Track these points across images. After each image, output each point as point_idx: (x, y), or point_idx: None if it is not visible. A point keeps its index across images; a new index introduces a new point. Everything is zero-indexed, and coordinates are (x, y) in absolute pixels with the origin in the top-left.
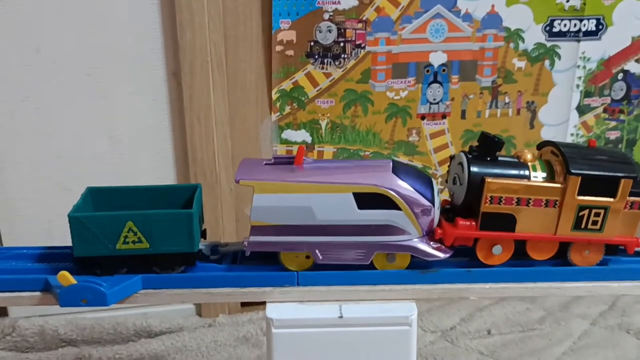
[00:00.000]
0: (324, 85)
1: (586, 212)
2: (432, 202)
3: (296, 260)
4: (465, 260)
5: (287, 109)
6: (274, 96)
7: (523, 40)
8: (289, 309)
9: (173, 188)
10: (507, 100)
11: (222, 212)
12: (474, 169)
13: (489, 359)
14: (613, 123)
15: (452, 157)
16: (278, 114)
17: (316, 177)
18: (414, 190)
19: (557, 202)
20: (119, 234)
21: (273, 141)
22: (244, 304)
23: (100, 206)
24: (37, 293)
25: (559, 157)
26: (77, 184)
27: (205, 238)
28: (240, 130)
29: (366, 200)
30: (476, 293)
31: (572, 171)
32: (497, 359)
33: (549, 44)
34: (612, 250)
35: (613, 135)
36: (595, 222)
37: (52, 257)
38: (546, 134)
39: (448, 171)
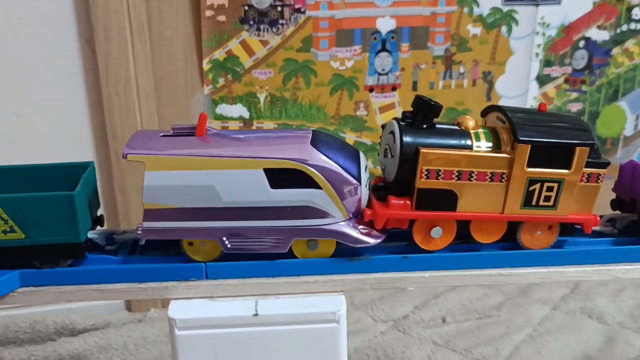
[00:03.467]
0: (261, 55)
1: (537, 186)
2: (359, 178)
3: (202, 249)
4: (401, 246)
5: (221, 81)
6: (206, 67)
7: (478, 5)
8: (195, 306)
9: (60, 167)
10: (461, 70)
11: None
12: (406, 138)
13: (444, 349)
14: (575, 94)
15: (383, 127)
16: (211, 86)
17: (220, 149)
18: (336, 165)
19: (504, 176)
20: None
21: None
22: None
23: None
24: None
25: (506, 123)
26: None
27: (102, 225)
28: (169, 105)
29: (280, 177)
30: (414, 283)
31: (521, 138)
32: (453, 348)
33: (505, 9)
34: (568, 230)
35: (575, 107)
36: (547, 198)
37: None
38: None
39: (380, 143)
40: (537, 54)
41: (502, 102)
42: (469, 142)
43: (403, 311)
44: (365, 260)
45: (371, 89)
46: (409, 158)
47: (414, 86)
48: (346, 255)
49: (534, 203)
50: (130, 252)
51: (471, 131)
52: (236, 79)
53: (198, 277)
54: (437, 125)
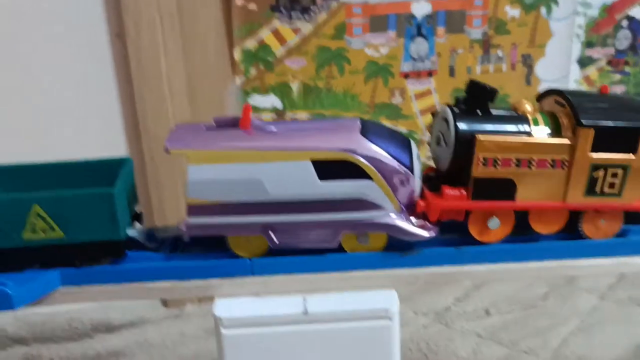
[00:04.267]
0: (293, 43)
1: (601, 172)
2: (411, 168)
3: (247, 244)
4: (454, 237)
5: (253, 72)
6: (237, 57)
7: None
8: (242, 304)
9: (97, 164)
10: (500, 54)
11: (181, 193)
12: (461, 125)
13: (489, 342)
14: (618, 76)
15: (434, 114)
16: (243, 77)
17: (266, 142)
18: (387, 155)
19: (565, 162)
20: (24, 220)
21: (239, 108)
22: None
23: (7, 189)
24: None
25: (566, 107)
26: None
27: (140, 222)
28: (201, 98)
29: (329, 168)
30: (469, 276)
31: (583, 122)
32: (498, 341)
33: None
34: (633, 218)
35: (618, 89)
36: (612, 185)
37: None
38: None
39: (431, 131)
40: (578, 35)
41: (542, 86)
42: (527, 128)
43: (444, 303)
44: (417, 254)
45: (406, 76)
46: (465, 146)
47: (451, 71)
48: (397, 249)
49: (597, 190)
50: (172, 249)
51: (529, 116)
52: (268, 69)
53: (244, 273)
54: (493, 111)
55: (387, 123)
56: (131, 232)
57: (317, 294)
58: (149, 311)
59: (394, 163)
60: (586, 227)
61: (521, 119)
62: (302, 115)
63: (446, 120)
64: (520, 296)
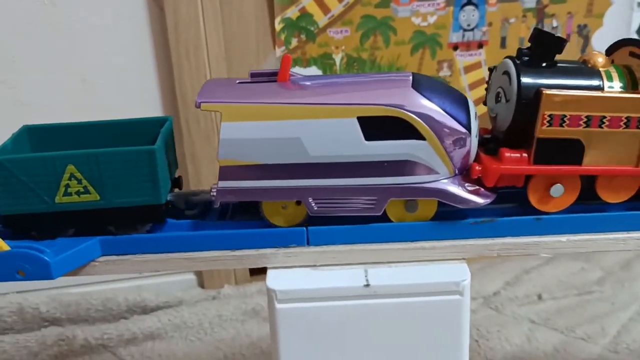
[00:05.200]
0: (337, 12)
1: None
2: (469, 127)
3: (283, 212)
4: (510, 207)
5: (294, 42)
6: (278, 26)
7: None
8: (297, 276)
9: (137, 122)
10: (554, 23)
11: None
12: (525, 78)
13: (543, 328)
14: None
15: (492, 70)
16: (283, 48)
17: (306, 97)
18: (443, 112)
19: None
20: (58, 182)
21: None
22: (252, 272)
23: (41, 150)
24: None
25: None
26: None
27: (180, 188)
28: (239, 68)
29: (377, 127)
30: (548, 248)
31: None
32: (552, 327)
33: None
34: None
35: None
36: None
37: None
38: None
39: (487, 88)
40: (638, 4)
41: None
42: (599, 82)
43: (493, 287)
44: (491, 223)
45: (455, 47)
46: (528, 102)
47: (502, 43)
48: (465, 217)
49: None
50: (219, 217)
51: (601, 69)
52: (310, 39)
53: (299, 243)
54: (560, 64)
55: None
56: (170, 197)
57: (378, 266)
58: (185, 292)
59: (450, 121)
60: None
61: (592, 72)
62: None
63: (508, 74)
64: (573, 281)
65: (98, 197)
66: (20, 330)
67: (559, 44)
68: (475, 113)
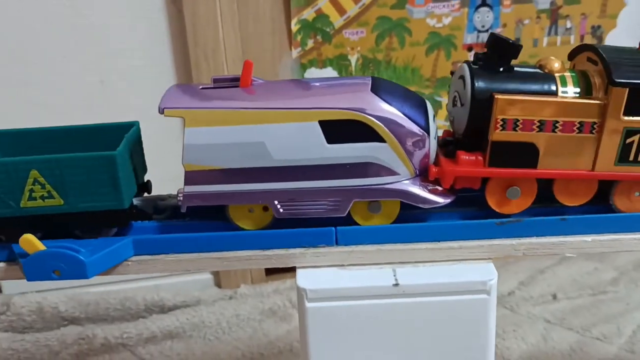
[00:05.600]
0: (353, 13)
1: (636, 138)
2: (427, 129)
3: (250, 215)
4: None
5: (310, 43)
6: (294, 28)
7: None
8: (326, 276)
9: (105, 128)
10: (568, 25)
11: None
12: (479, 83)
13: (559, 328)
14: None
15: (453, 72)
16: (299, 49)
17: (269, 101)
18: (402, 115)
19: (595, 126)
20: (22, 187)
21: None
22: (268, 272)
23: (10, 155)
24: None
25: (598, 64)
26: None
27: (149, 192)
28: (256, 70)
29: (338, 130)
30: (574, 248)
31: (616, 80)
32: (568, 327)
33: None
34: None
35: None
36: None
37: None
38: None
39: (448, 91)
40: None
41: None
42: (553, 87)
43: (508, 287)
44: (517, 223)
45: (470, 48)
46: (482, 106)
47: None
48: (493, 217)
49: (631, 158)
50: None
51: (556, 74)
52: (326, 41)
53: (327, 242)
54: (516, 68)
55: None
56: (138, 202)
57: (405, 265)
58: (202, 292)
59: (409, 124)
60: (618, 200)
61: (547, 77)
62: None
63: (463, 78)
64: (587, 281)
65: (62, 202)
66: (40, 329)
67: (514, 49)
68: (434, 115)
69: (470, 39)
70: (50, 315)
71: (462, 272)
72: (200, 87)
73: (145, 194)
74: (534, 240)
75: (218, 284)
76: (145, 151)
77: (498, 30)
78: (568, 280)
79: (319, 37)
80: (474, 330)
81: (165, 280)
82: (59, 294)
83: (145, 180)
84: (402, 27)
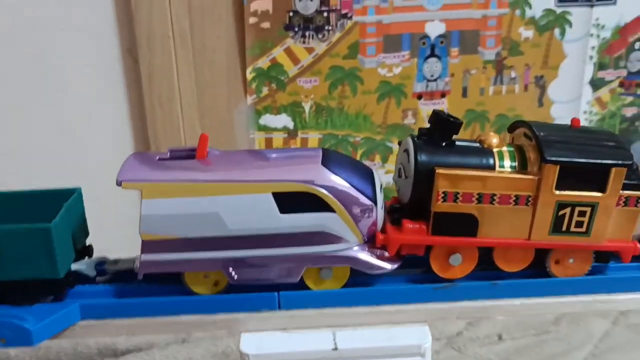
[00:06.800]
0: (306, 62)
1: (568, 210)
2: (374, 199)
3: (205, 281)
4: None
5: (265, 91)
6: (249, 76)
7: (530, 6)
8: (269, 340)
9: (45, 194)
10: (513, 75)
11: None
12: (422, 157)
13: None
14: (630, 98)
15: (400, 143)
16: (254, 96)
17: (224, 173)
18: (350, 186)
19: (529, 199)
20: None
21: (249, 128)
22: None
23: None
24: None
25: (532, 140)
26: (18, 186)
27: (90, 256)
28: (211, 116)
29: (290, 201)
30: (505, 311)
31: (548, 158)
32: None
33: (559, 10)
34: (604, 257)
35: (630, 112)
36: (579, 224)
37: None
38: (556, 112)
39: (395, 162)
40: (591, 57)
41: (554, 108)
42: (491, 162)
43: (456, 328)
44: (451, 288)
45: (419, 96)
46: (424, 179)
47: (464, 92)
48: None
49: (564, 229)
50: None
51: (494, 149)
52: (280, 88)
53: (270, 307)
54: (457, 143)
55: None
56: (76, 267)
57: (346, 328)
58: (155, 336)
59: (357, 194)
60: (554, 266)
61: (486, 152)
62: (314, 135)
63: (407, 152)
64: (531, 321)
65: None
66: None
67: (455, 126)
68: (381, 185)
69: (419, 87)
70: None
71: (399, 335)
72: (157, 157)
73: (87, 258)
74: (466, 304)
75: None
76: (95, 201)
77: (446, 80)
78: (513, 321)
79: (273, 85)
80: None
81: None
82: None
83: (87, 245)
84: (354, 76)
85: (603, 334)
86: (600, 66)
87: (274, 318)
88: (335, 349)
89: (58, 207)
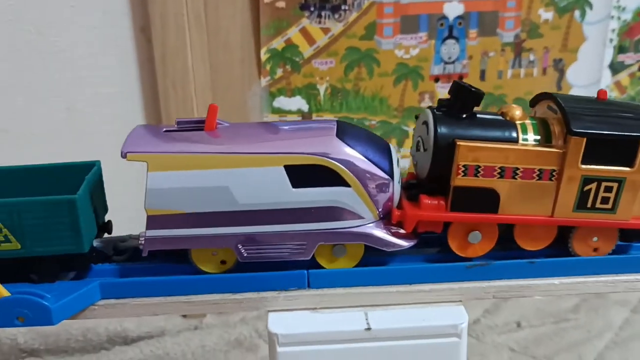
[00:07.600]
0: (322, 43)
1: (594, 186)
2: (391, 174)
3: (213, 258)
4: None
5: (279, 72)
6: (263, 57)
7: None
8: (298, 319)
9: (63, 167)
10: (532, 57)
11: None
12: (442, 129)
13: (522, 357)
14: None
15: (417, 116)
16: (268, 78)
17: (234, 145)
18: (366, 160)
19: (554, 173)
20: None
21: (263, 110)
22: None
23: None
24: None
25: (558, 113)
26: None
27: (109, 233)
28: (225, 98)
29: (303, 175)
30: (542, 291)
31: (574, 130)
32: (532, 355)
33: None
34: (629, 236)
35: None
36: (605, 200)
37: None
38: None
39: (413, 135)
40: (611, 40)
41: (573, 92)
42: (514, 135)
43: (473, 316)
44: (486, 267)
45: (437, 79)
46: (444, 152)
47: (482, 75)
48: (463, 260)
49: (589, 205)
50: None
51: (517, 122)
52: (295, 70)
53: (299, 286)
54: (478, 115)
55: None
56: (98, 244)
57: (379, 309)
58: (167, 322)
59: (373, 168)
60: (576, 245)
61: (508, 124)
62: (329, 118)
63: (426, 124)
64: (550, 309)
65: (19, 246)
66: None
67: (477, 97)
68: (398, 159)
69: (437, 70)
70: (8, 348)
71: (434, 315)
72: (164, 129)
73: (106, 235)
74: (503, 283)
75: (183, 314)
76: (108, 183)
77: (464, 63)
78: (531, 308)
79: (288, 67)
80: None
81: None
82: None
83: (106, 221)
84: (371, 58)
85: (623, 321)
86: (620, 49)
87: (302, 297)
88: (369, 329)
89: (78, 181)
